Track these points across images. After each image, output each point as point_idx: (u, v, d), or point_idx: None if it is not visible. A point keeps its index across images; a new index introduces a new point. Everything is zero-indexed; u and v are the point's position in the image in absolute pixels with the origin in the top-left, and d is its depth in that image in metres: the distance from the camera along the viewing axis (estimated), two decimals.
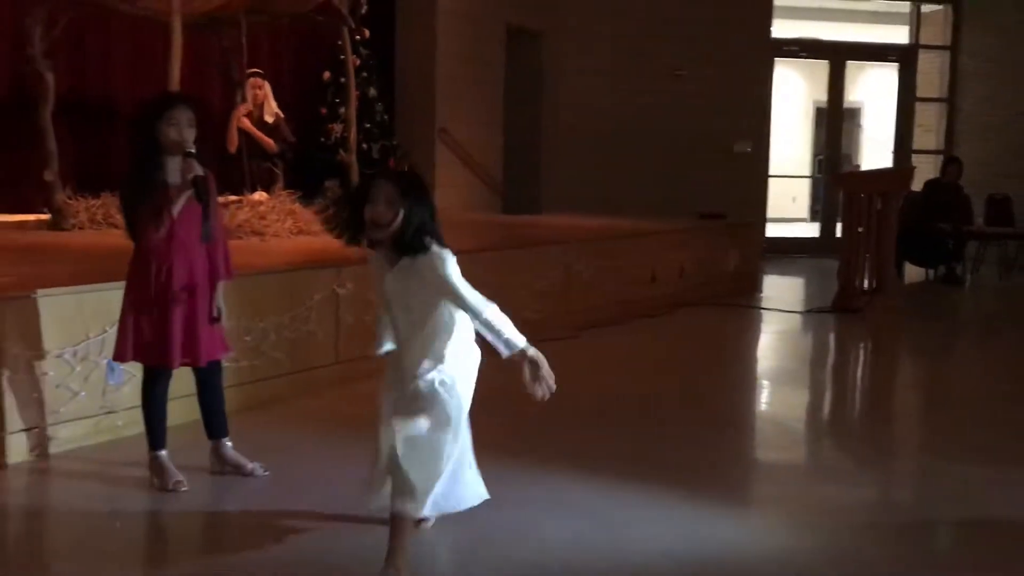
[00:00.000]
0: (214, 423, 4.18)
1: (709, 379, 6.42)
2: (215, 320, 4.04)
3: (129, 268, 3.95)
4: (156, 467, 4.03)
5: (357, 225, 3.29)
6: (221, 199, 7.80)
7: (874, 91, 17.75)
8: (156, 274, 3.87)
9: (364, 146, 10.16)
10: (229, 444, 4.21)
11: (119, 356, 3.98)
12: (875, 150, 14.99)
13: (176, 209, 3.83)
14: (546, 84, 12.81)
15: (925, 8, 14.76)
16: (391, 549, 3.19)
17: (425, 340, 3.41)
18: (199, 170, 3.84)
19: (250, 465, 4.16)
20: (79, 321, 4.48)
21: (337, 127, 10.12)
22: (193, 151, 3.85)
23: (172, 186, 3.86)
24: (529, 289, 7.32)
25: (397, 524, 3.21)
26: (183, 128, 3.84)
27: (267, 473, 4.13)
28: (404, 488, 3.22)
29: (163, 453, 4.04)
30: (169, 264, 3.87)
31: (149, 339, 3.90)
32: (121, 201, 3.99)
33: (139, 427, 4.61)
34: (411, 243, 3.29)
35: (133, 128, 4.06)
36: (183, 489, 3.96)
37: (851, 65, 14.89)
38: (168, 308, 3.88)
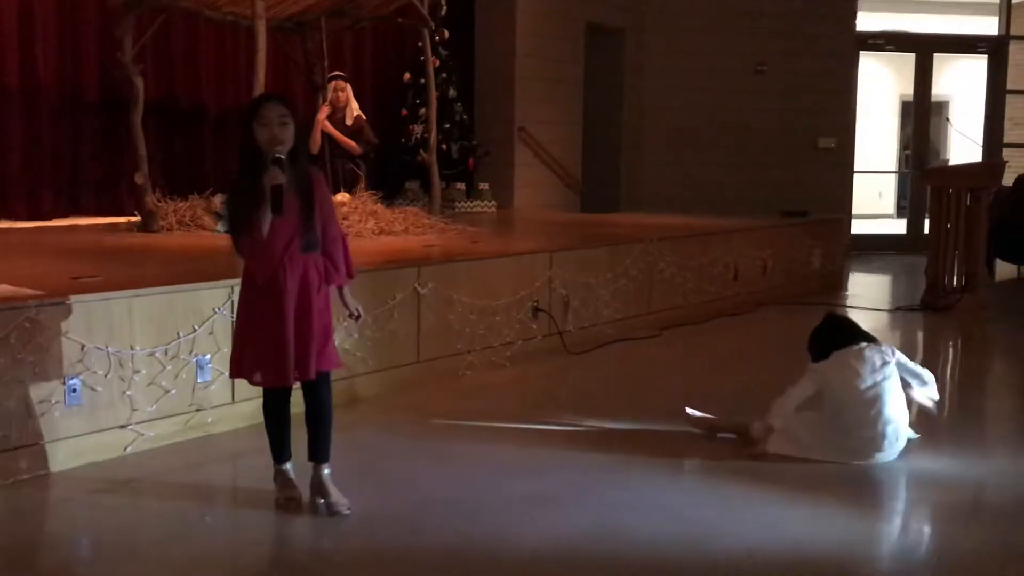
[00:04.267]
0: (311, 442, 3.83)
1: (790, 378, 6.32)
2: (356, 319, 3.98)
3: (241, 280, 3.78)
4: (277, 480, 3.88)
5: None
6: None
7: (963, 84, 17.31)
8: (262, 285, 3.65)
9: (444, 147, 10.23)
10: (327, 472, 3.84)
11: (231, 372, 3.84)
12: (964, 145, 14.62)
13: (264, 218, 3.57)
14: (626, 82, 12.75)
15: None
16: None
17: None
18: (280, 178, 3.54)
19: (333, 499, 3.78)
20: (169, 320, 4.59)
21: (417, 128, 10.21)
22: (280, 156, 3.56)
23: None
24: (610, 288, 7.30)
25: None
26: (274, 126, 3.59)
27: (348, 513, 3.75)
28: None
29: (286, 467, 3.87)
30: (272, 274, 3.63)
31: (261, 354, 3.68)
32: (226, 210, 3.84)
33: (229, 424, 4.74)
34: None
35: (239, 135, 3.80)
36: (294, 507, 3.78)
37: (939, 58, 14.52)
38: (278, 322, 3.63)
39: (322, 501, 3.79)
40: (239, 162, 3.70)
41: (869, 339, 4.67)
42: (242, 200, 3.63)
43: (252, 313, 3.70)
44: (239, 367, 3.76)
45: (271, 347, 3.65)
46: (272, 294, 3.64)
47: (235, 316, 3.83)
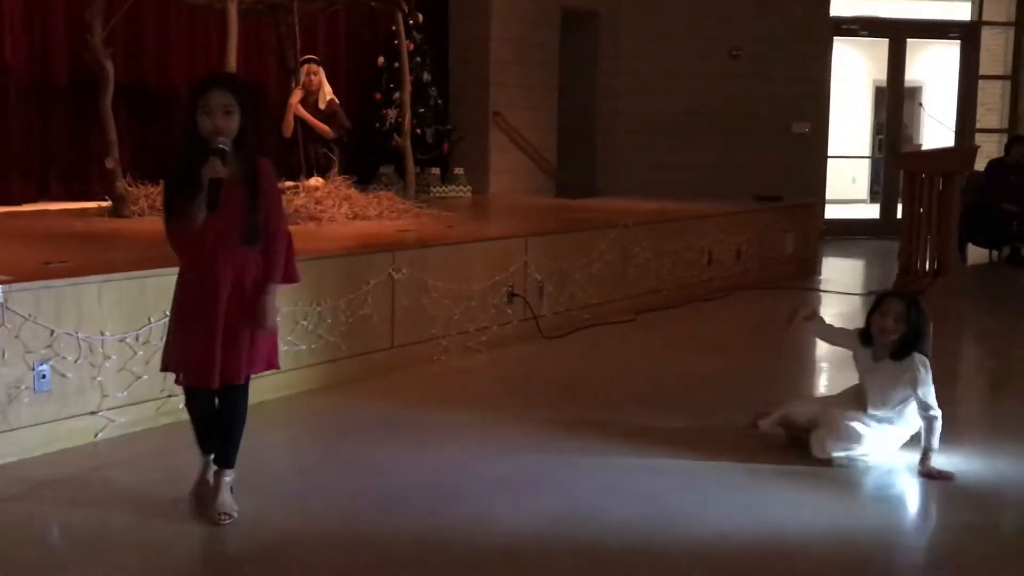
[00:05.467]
0: (219, 449, 3.67)
1: (766, 362, 6.34)
2: (261, 326, 3.53)
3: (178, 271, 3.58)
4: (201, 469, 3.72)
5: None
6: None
7: (936, 69, 17.40)
8: (194, 280, 3.45)
9: (418, 131, 10.18)
10: (228, 479, 3.66)
11: (161, 366, 3.62)
12: (936, 130, 14.72)
13: (198, 211, 3.35)
14: (601, 66, 12.72)
15: None
16: None
17: None
18: (220, 171, 3.33)
19: (220, 513, 3.57)
20: (140, 306, 4.54)
21: (391, 112, 10.16)
22: (222, 147, 3.34)
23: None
24: (585, 273, 7.30)
25: None
26: (216, 116, 3.35)
27: (228, 523, 3.56)
28: None
29: (211, 457, 3.69)
30: (204, 269, 3.42)
31: (186, 353, 3.48)
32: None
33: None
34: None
35: (182, 117, 3.53)
36: (224, 522, 3.54)
37: (912, 43, 14.58)
38: (207, 321, 3.42)
39: (214, 508, 3.61)
40: (179, 147, 3.49)
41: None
42: (178, 189, 3.39)
43: (183, 308, 3.49)
44: (168, 362, 3.57)
45: (198, 346, 3.43)
46: (203, 290, 3.43)
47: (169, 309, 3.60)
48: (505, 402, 5.29)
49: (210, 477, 3.67)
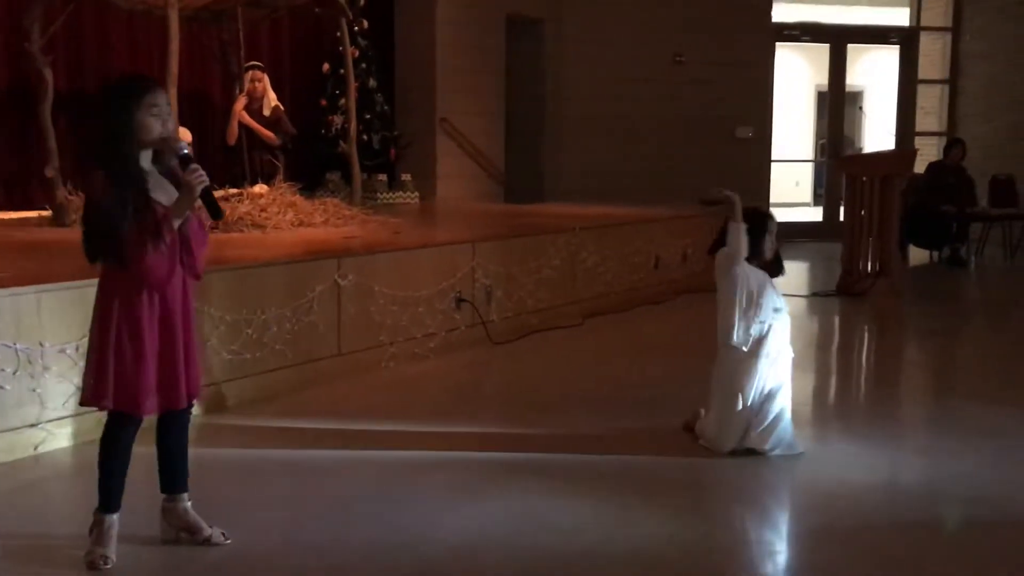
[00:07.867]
0: (174, 473, 3.45)
1: (710, 364, 6.39)
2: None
3: (103, 298, 3.21)
4: (98, 531, 3.30)
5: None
6: (221, 193, 7.85)
7: (876, 74, 17.69)
8: (152, 305, 3.18)
9: (364, 137, 10.16)
10: (188, 503, 3.46)
11: (96, 399, 3.22)
12: (877, 133, 14.98)
13: (177, 224, 3.14)
14: (547, 72, 12.78)
15: None
16: None
17: None
18: (205, 179, 3.14)
19: (208, 531, 3.43)
20: (80, 316, 4.45)
21: (337, 119, 10.13)
22: (188, 152, 3.16)
23: (155, 193, 3.16)
24: (533, 277, 7.32)
25: None
26: (166, 119, 3.15)
27: (229, 541, 3.43)
28: None
29: (115, 517, 3.32)
30: (164, 292, 3.19)
31: (132, 381, 3.18)
32: (95, 216, 3.16)
33: (143, 421, 4.62)
34: None
35: (103, 119, 3.17)
36: (104, 567, 3.24)
37: (852, 48, 14.83)
38: (170, 344, 3.22)
39: (200, 532, 3.43)
40: (117, 156, 3.12)
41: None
42: (138, 203, 3.10)
43: (136, 332, 3.16)
44: (115, 394, 3.20)
45: (164, 369, 3.22)
46: (165, 309, 3.20)
47: (98, 337, 3.20)
48: (453, 408, 5.29)
49: (113, 536, 3.31)
